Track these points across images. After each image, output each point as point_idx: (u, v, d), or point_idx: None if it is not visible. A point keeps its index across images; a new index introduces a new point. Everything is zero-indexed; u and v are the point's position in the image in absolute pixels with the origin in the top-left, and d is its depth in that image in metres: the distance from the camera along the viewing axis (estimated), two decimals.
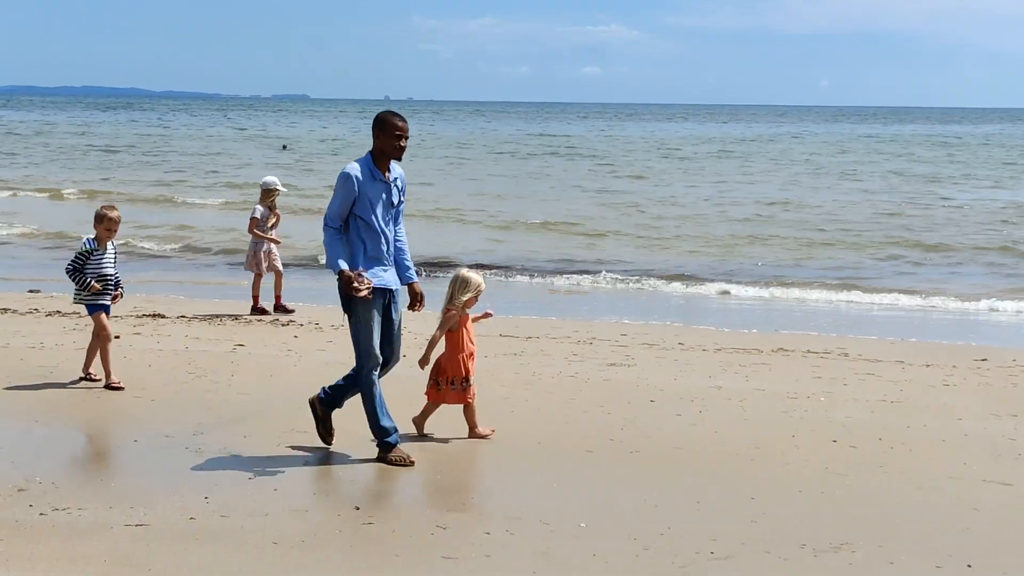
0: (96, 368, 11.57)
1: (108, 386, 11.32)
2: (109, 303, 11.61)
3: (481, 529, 7.58)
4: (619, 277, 22.62)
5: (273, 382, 11.84)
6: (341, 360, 12.94)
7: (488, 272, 22.55)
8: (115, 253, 11.75)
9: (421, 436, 9.86)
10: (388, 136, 8.97)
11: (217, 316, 16.11)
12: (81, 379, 11.58)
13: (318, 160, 60.70)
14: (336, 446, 9.46)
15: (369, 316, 8.95)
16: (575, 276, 22.77)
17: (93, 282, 11.34)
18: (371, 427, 9.16)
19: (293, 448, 9.41)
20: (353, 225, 8.92)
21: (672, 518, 7.97)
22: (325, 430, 9.51)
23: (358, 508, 7.93)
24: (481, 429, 9.90)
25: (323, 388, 9.51)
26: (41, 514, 7.65)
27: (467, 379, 9.82)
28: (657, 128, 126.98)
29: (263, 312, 16.47)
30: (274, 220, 16.82)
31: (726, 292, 21.13)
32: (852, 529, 7.77)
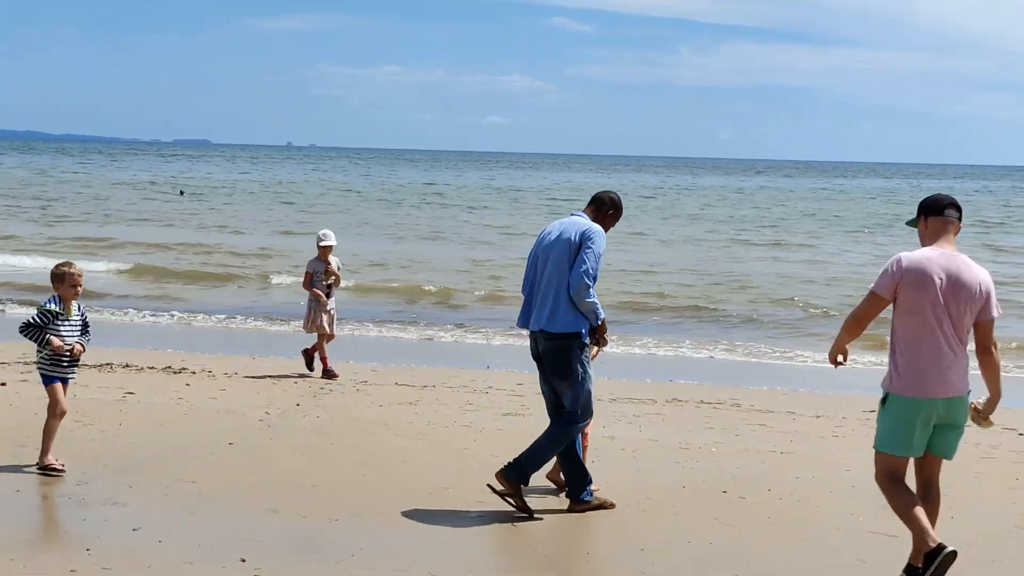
0: (57, 453, 10.07)
1: (42, 467, 9.93)
2: (72, 374, 10.18)
3: None
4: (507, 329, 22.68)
5: (162, 431, 11.67)
6: (232, 408, 12.82)
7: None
8: (83, 317, 10.14)
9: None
10: (615, 220, 9.58)
11: (108, 364, 15.83)
12: (40, 468, 9.92)
13: (215, 205, 60.28)
14: (217, 495, 9.32)
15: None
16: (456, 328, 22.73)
17: (52, 337, 9.81)
18: (575, 477, 9.32)
19: (180, 499, 9.26)
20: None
21: (561, 569, 7.95)
22: (522, 503, 9.22)
23: (244, 560, 7.81)
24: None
25: (512, 460, 9.29)
26: None
27: None
28: (542, 177, 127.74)
29: (331, 375, 15.42)
30: (332, 279, 15.66)
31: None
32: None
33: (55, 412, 9.98)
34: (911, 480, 7.77)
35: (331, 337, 15.73)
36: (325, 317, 15.53)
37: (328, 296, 15.60)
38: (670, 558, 8.23)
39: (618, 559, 8.19)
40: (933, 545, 7.35)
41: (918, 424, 7.57)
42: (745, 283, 30.64)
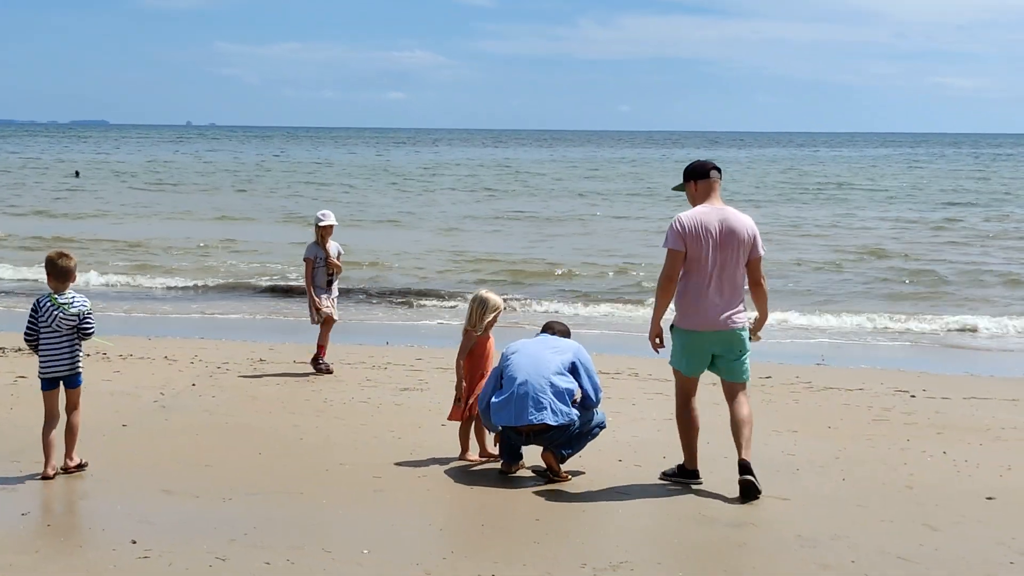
0: (60, 457, 9.44)
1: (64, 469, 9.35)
2: (64, 372, 9.47)
3: (261, 559, 7.45)
4: (396, 299, 22.80)
5: None
6: (127, 390, 12.66)
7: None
8: (80, 309, 9.37)
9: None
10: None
11: (0, 348, 15.54)
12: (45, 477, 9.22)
13: (106, 186, 59.44)
14: (109, 478, 9.21)
15: None
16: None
17: (29, 344, 9.48)
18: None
19: (71, 482, 9.13)
20: None
21: (455, 541, 7.97)
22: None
23: (134, 542, 7.72)
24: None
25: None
26: None
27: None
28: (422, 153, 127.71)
29: (320, 368, 14.38)
30: (334, 272, 14.49)
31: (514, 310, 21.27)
32: (631, 548, 7.88)
33: (46, 418, 9.48)
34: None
35: (333, 321, 14.56)
36: (327, 300, 14.43)
37: (329, 285, 14.50)
38: (564, 527, 8.28)
39: (513, 528, 8.23)
40: (692, 468, 9.48)
41: (696, 352, 9.27)
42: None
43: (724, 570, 7.58)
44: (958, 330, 20.30)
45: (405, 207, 47.84)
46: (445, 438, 10.60)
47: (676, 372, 9.46)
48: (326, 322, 14.44)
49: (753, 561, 7.77)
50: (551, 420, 9.32)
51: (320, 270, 14.42)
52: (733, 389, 9.41)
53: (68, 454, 9.39)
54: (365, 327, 19.71)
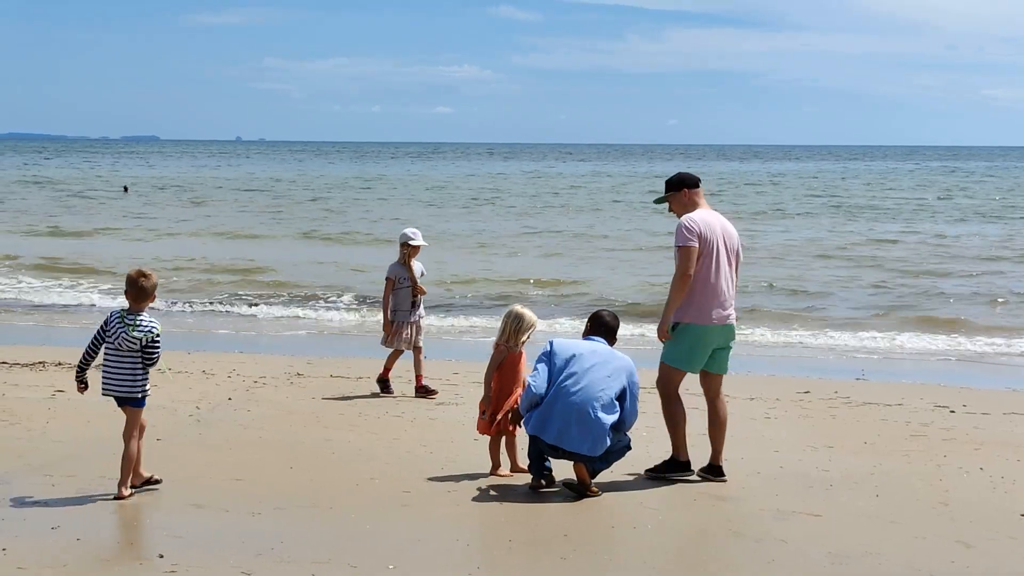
0: (147, 469, 9.45)
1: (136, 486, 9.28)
2: (118, 393, 9.29)
3: (287, 574, 7.45)
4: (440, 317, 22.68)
5: (90, 429, 11.54)
6: (163, 404, 12.70)
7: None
8: (145, 333, 9.16)
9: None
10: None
11: (41, 362, 15.66)
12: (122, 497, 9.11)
13: (164, 202, 59.93)
14: (144, 492, 9.23)
15: None
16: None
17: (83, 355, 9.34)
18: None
19: (102, 496, 9.16)
20: None
21: (481, 557, 7.95)
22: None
23: (162, 556, 7.75)
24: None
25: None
26: None
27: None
28: (473, 167, 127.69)
29: (387, 389, 13.94)
30: (419, 298, 13.88)
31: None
32: (659, 565, 7.84)
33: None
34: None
35: (420, 349, 13.94)
36: (411, 329, 13.85)
37: (414, 306, 13.86)
38: (591, 544, 8.23)
39: (540, 545, 8.18)
40: (685, 459, 9.98)
41: (705, 347, 9.86)
42: None
43: None
44: (1004, 345, 20.03)
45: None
46: (477, 453, 10.57)
47: (671, 369, 9.97)
48: (414, 350, 13.87)
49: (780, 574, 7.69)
50: (587, 452, 9.32)
51: (403, 291, 13.82)
52: (716, 384, 10.10)
53: (122, 481, 9.08)
54: None
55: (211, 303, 24.57)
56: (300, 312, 23.52)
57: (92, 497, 9.14)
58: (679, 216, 9.98)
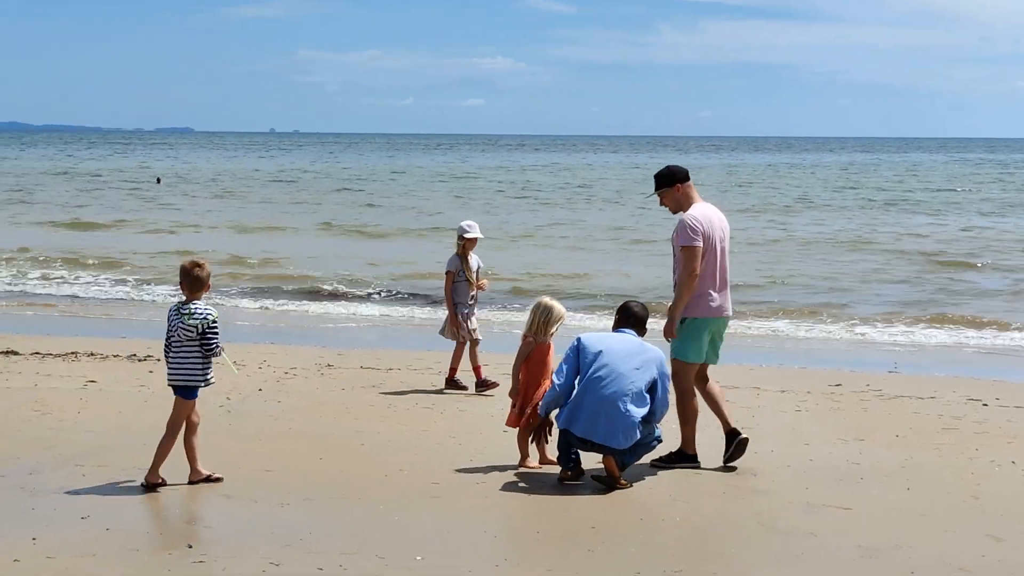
0: (205, 465, 9.46)
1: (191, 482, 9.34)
2: (186, 381, 9.25)
3: (314, 564, 7.47)
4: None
5: (121, 419, 11.60)
6: None
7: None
8: (201, 316, 9.14)
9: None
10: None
11: (73, 353, 15.73)
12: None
13: (193, 193, 60.14)
14: (170, 482, 9.22)
15: None
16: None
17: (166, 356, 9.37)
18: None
19: (132, 486, 9.20)
20: None
21: (509, 549, 7.95)
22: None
23: (191, 546, 7.78)
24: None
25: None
26: None
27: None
28: (501, 159, 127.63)
29: (459, 386, 13.76)
30: (476, 292, 13.86)
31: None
32: (687, 557, 7.82)
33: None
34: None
35: (477, 341, 13.81)
36: (472, 321, 13.84)
37: (473, 299, 13.86)
38: (619, 536, 8.22)
39: (568, 537, 8.17)
40: (692, 452, 10.12)
41: (707, 338, 10.11)
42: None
43: None
44: None
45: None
46: (506, 445, 10.56)
47: (684, 365, 10.11)
48: (472, 344, 13.77)
49: (811, 571, 7.65)
50: (616, 445, 9.30)
51: (461, 285, 13.74)
52: (705, 371, 10.30)
53: (152, 469, 9.18)
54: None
55: (241, 294, 24.59)
56: (331, 306, 23.52)
57: (123, 487, 9.18)
58: (672, 211, 10.27)
